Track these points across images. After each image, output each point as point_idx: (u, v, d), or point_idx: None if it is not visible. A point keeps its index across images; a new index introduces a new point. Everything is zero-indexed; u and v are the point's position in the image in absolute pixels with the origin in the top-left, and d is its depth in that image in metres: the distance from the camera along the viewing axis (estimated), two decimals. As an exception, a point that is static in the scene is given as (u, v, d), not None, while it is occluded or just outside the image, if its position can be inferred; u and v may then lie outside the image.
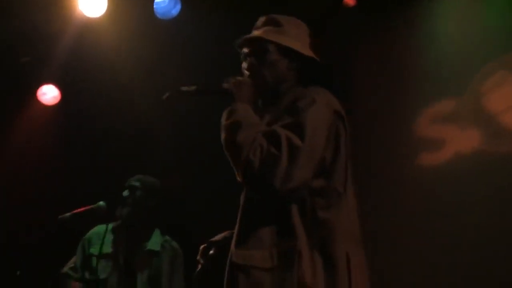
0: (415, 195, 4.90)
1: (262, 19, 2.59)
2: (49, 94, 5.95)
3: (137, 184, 4.08)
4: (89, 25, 5.37)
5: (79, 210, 3.98)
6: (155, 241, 4.05)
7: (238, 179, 2.27)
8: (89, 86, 5.79)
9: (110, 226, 4.05)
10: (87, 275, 3.93)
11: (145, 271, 3.94)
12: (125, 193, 4.03)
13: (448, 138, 4.82)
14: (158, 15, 5.27)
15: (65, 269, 4.00)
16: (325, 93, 2.37)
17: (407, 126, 5.10)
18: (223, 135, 2.28)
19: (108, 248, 3.98)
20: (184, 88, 2.44)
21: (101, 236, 3.97)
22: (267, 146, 2.17)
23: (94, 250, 3.98)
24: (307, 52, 2.51)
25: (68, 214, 3.95)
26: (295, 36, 2.53)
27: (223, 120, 2.31)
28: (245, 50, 2.56)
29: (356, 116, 5.63)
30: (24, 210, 5.66)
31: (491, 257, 4.33)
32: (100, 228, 4.10)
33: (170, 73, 5.43)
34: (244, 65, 2.54)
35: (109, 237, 4.02)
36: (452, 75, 4.86)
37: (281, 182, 2.14)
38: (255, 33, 2.54)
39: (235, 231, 2.28)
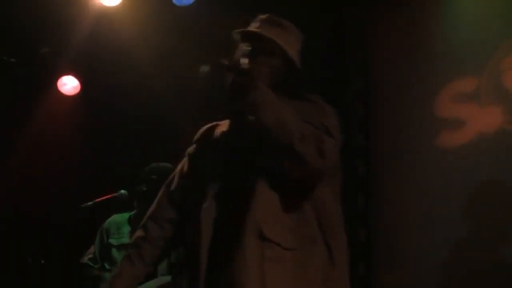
0: (436, 177, 4.87)
1: (267, 17, 2.56)
2: (69, 84, 5.99)
3: (154, 177, 4.02)
4: (107, 15, 5.39)
5: (101, 198, 4.03)
6: None
7: (271, 157, 2.25)
8: (109, 75, 5.82)
9: (127, 215, 4.08)
10: (106, 265, 3.96)
11: (165, 259, 3.96)
12: (143, 187, 4.00)
13: (468, 117, 4.78)
14: (175, 2, 5.26)
15: (85, 259, 4.03)
16: None
17: (426, 106, 5.06)
18: (264, 110, 2.20)
19: (126, 239, 4.00)
20: (222, 61, 2.35)
21: (119, 226, 4.03)
22: (317, 131, 2.25)
23: (113, 241, 4.02)
24: (300, 66, 2.52)
25: (90, 202, 4.01)
26: (295, 46, 2.54)
27: (258, 96, 2.22)
28: (249, 43, 2.49)
29: (375, 97, 5.63)
30: (44, 199, 5.71)
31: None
32: (117, 217, 4.13)
33: (187, 60, 5.44)
34: (245, 59, 2.42)
35: (127, 227, 4.04)
36: (471, 52, 4.80)
37: (324, 164, 2.24)
38: (263, 31, 2.49)
39: (256, 206, 2.24)
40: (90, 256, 4.04)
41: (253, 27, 2.55)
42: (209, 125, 2.68)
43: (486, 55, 4.74)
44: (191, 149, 2.68)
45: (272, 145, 2.21)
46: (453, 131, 4.83)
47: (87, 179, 5.73)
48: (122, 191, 4.07)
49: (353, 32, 5.75)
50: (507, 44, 4.63)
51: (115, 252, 3.99)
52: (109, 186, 4.17)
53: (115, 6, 5.28)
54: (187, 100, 5.46)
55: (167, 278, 3.89)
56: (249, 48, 2.47)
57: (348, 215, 5.34)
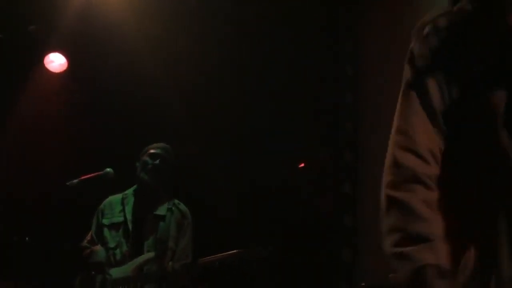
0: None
1: None
2: (56, 61, 5.93)
3: (162, 153, 4.17)
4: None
5: (86, 176, 4.04)
6: (162, 206, 4.10)
7: None
8: (96, 53, 5.79)
9: (121, 196, 4.13)
10: (99, 245, 4.00)
11: (152, 235, 4.00)
12: (156, 162, 4.11)
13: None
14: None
15: (84, 242, 4.09)
16: None
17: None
18: None
19: (117, 218, 4.05)
20: None
21: (112, 206, 4.10)
22: None
23: (106, 221, 4.08)
24: None
25: (76, 180, 4.01)
26: None
27: None
28: None
29: (365, 91, 5.61)
30: (33, 176, 5.69)
31: None
32: (112, 198, 4.21)
33: (177, 38, 5.43)
34: None
35: (119, 207, 4.09)
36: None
37: None
38: None
39: None
40: (89, 239, 4.09)
41: None
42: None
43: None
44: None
45: None
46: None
47: (75, 156, 5.70)
48: (108, 169, 4.08)
49: (346, 21, 5.74)
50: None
51: (106, 232, 4.05)
52: (96, 164, 4.17)
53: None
54: (178, 80, 5.47)
55: (153, 254, 3.91)
56: None
57: (335, 201, 5.45)
